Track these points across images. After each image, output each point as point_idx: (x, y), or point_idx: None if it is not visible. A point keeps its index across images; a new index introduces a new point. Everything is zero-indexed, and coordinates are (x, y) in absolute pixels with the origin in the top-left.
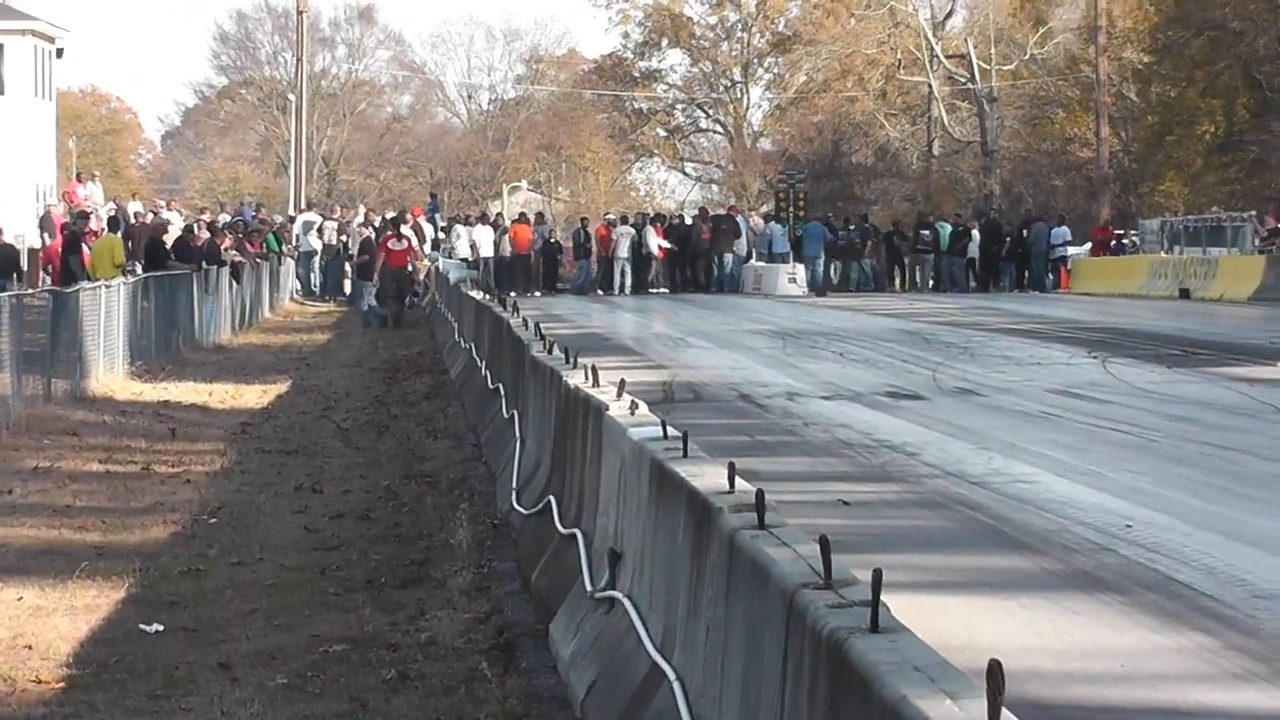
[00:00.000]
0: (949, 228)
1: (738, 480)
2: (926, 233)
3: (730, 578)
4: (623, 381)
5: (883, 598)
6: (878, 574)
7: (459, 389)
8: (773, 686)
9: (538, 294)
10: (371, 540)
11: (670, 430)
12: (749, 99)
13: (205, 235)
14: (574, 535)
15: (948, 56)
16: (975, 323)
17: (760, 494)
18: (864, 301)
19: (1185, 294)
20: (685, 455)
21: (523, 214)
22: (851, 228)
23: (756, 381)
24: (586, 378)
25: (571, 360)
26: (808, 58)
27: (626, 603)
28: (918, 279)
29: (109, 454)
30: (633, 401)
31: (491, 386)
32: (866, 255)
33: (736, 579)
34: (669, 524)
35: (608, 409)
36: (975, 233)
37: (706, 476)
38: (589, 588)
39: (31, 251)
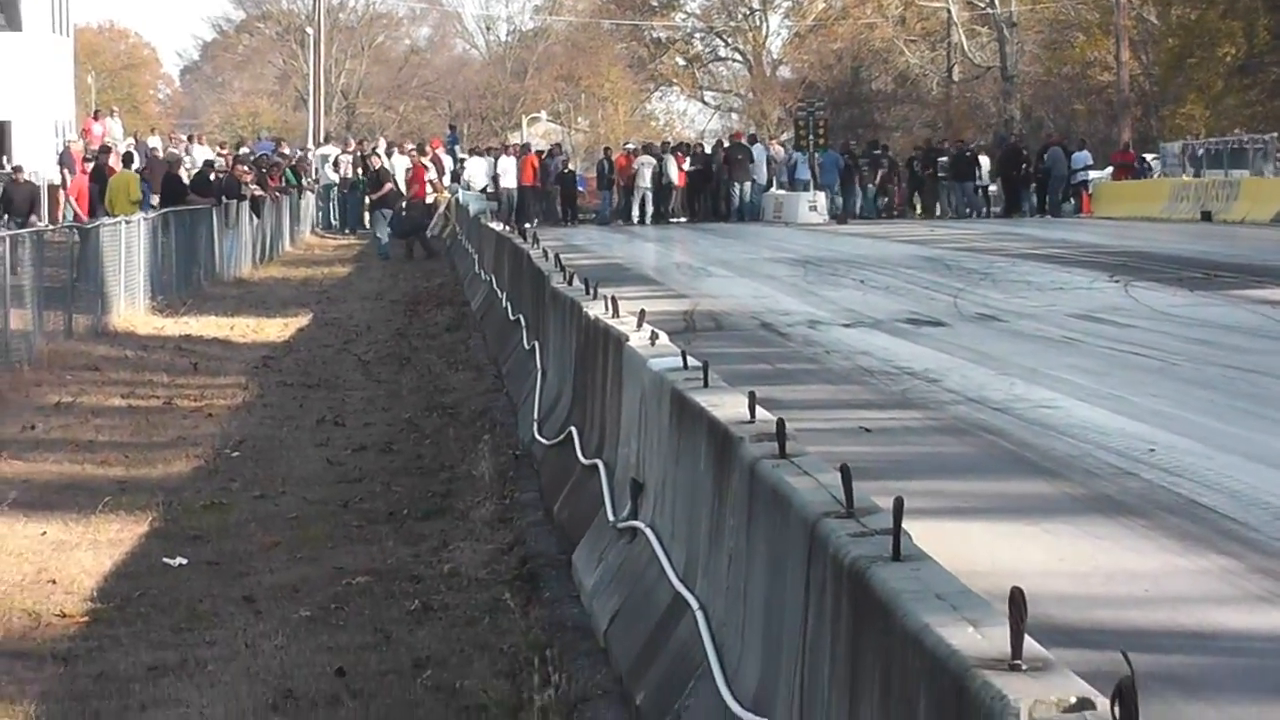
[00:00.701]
0: (946, 158)
1: (758, 409)
2: (944, 160)
3: (752, 507)
4: (643, 312)
5: (904, 525)
6: (899, 502)
7: (480, 321)
8: (795, 615)
9: (564, 225)
10: (394, 473)
11: (690, 360)
12: (768, 27)
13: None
14: (596, 466)
15: None
16: (996, 248)
17: (781, 423)
18: (885, 228)
19: (1207, 216)
20: (706, 385)
21: (526, 145)
22: (861, 156)
23: (778, 310)
24: (606, 309)
25: (592, 291)
26: None
27: (649, 532)
28: (936, 206)
29: (131, 389)
30: (653, 332)
31: (512, 318)
32: (875, 183)
33: (758, 509)
34: (690, 454)
35: (628, 340)
36: (983, 159)
37: (727, 406)
38: (611, 518)
39: (51, 188)
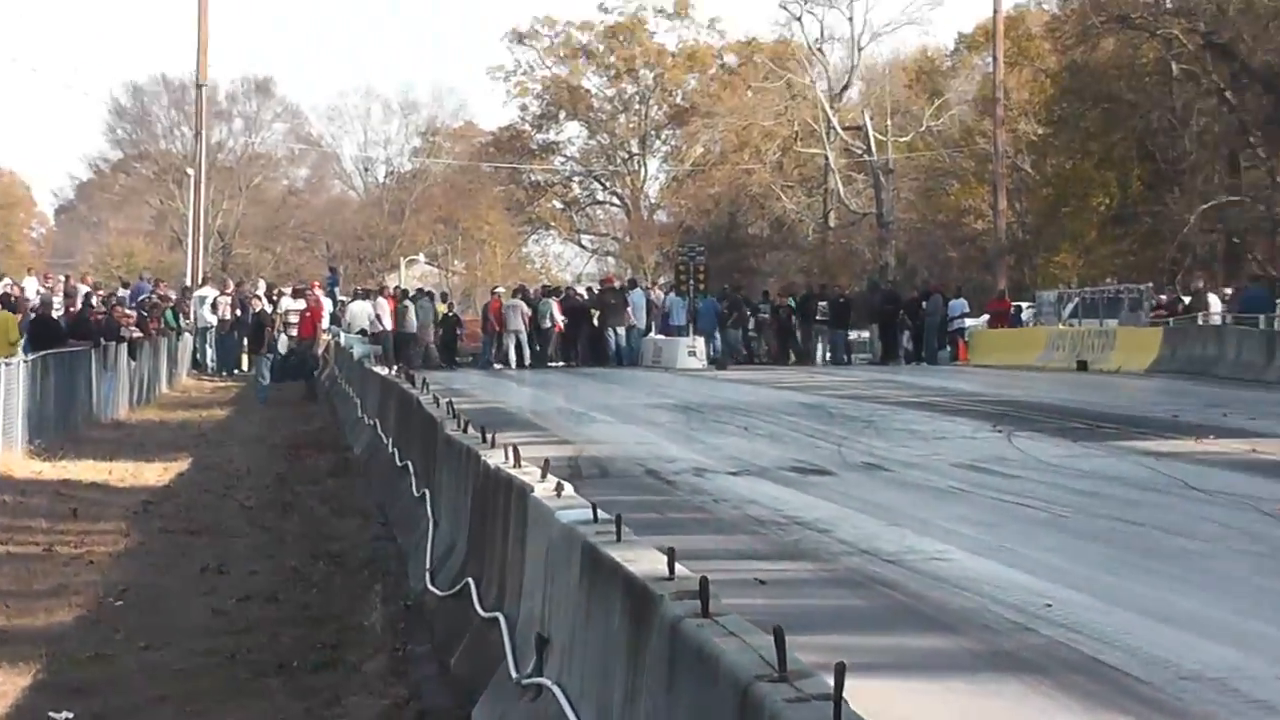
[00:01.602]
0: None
1: (677, 566)
2: (823, 305)
3: (673, 667)
4: (547, 461)
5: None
6: (840, 667)
7: (364, 466)
8: None
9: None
10: (281, 622)
11: (601, 513)
12: (646, 171)
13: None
14: (496, 619)
15: (844, 128)
16: (877, 395)
17: (704, 580)
18: (764, 374)
19: (1083, 366)
20: (619, 539)
21: (397, 287)
22: (721, 300)
23: (663, 456)
24: (507, 457)
25: (489, 439)
26: (705, 129)
27: (556, 690)
28: (815, 353)
29: (9, 534)
30: (559, 482)
31: (400, 464)
32: (731, 326)
33: (680, 669)
34: (603, 610)
35: (533, 490)
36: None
37: (643, 561)
38: (514, 674)
39: None
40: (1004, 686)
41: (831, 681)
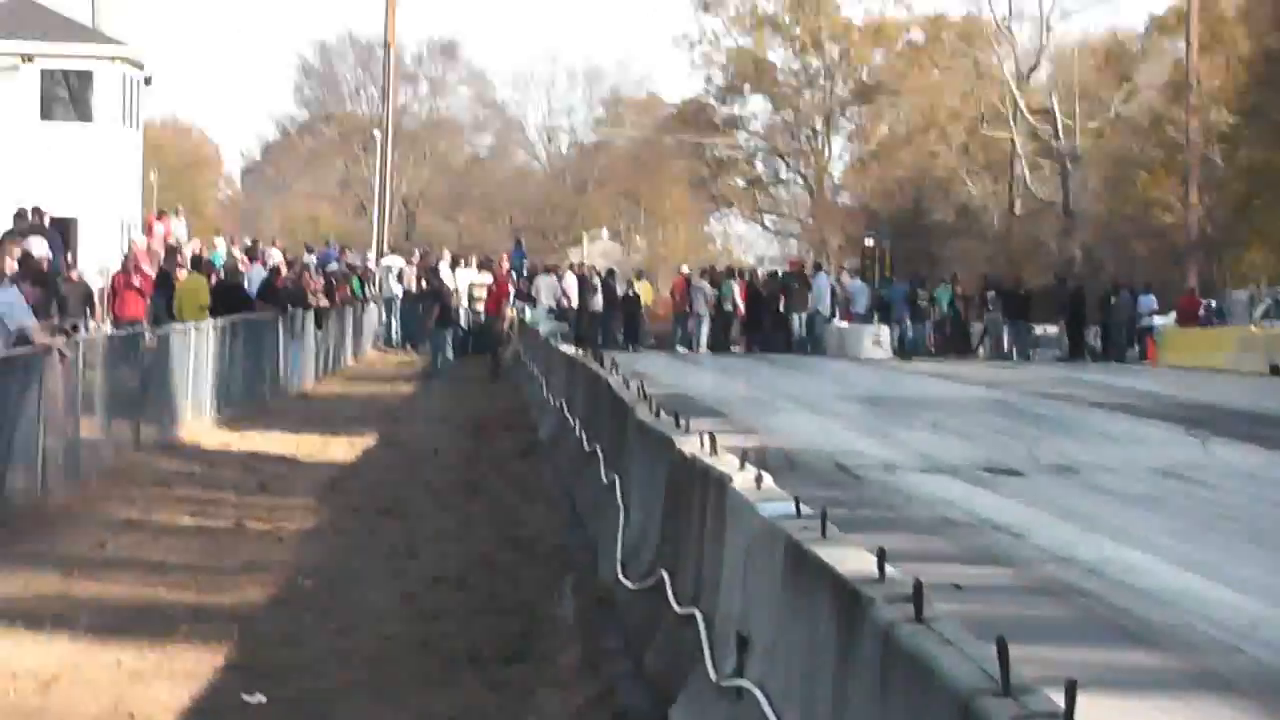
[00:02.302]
0: (948, 293)
1: (887, 567)
2: (992, 294)
3: (886, 675)
4: (746, 451)
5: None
6: (1072, 686)
7: (550, 449)
8: None
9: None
10: (471, 610)
11: (804, 508)
12: (830, 150)
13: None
14: (692, 615)
15: (1031, 112)
16: (1065, 394)
17: (919, 584)
18: (950, 368)
19: (1276, 370)
20: (824, 535)
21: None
22: (922, 292)
23: (850, 450)
24: (702, 445)
25: (684, 425)
26: (890, 108)
27: (758, 693)
28: (1001, 345)
29: (200, 507)
30: (758, 473)
31: (588, 449)
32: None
33: (894, 677)
34: (808, 610)
35: (731, 481)
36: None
37: (850, 561)
38: (713, 675)
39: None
40: (1216, 710)
41: (1058, 699)
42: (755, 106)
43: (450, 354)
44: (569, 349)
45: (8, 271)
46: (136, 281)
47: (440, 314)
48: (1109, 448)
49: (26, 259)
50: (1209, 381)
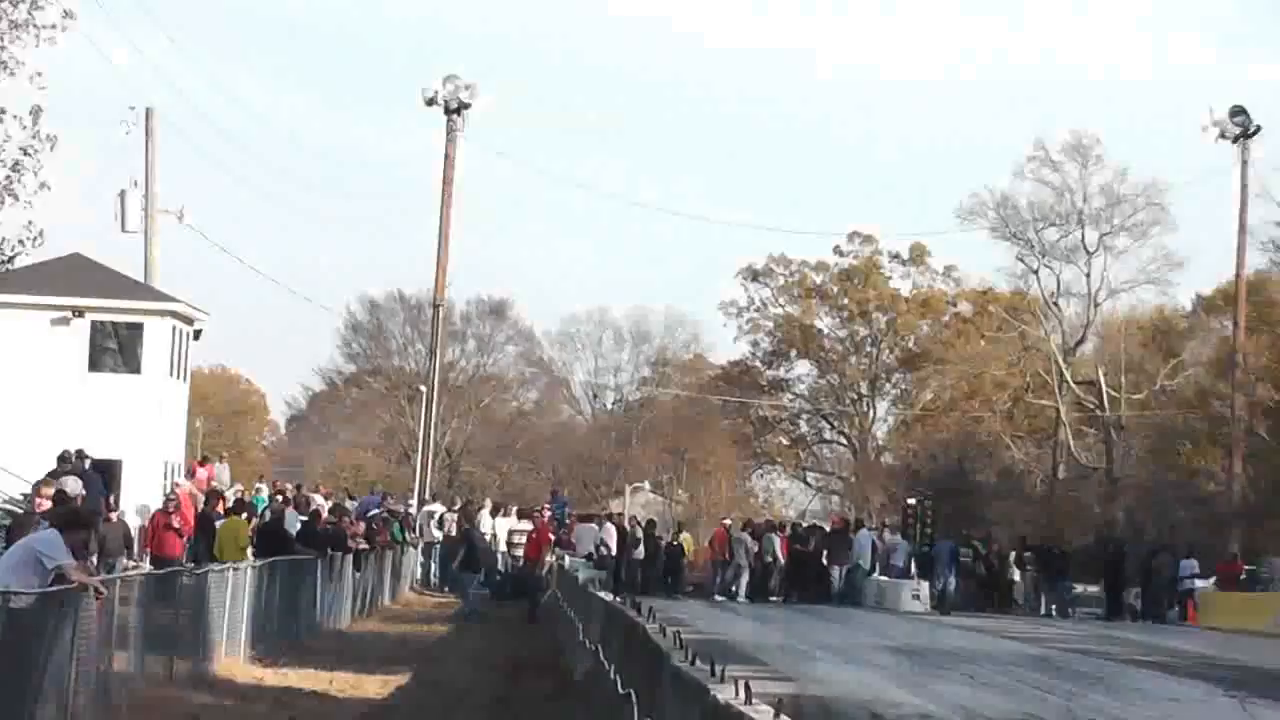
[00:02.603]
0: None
1: None
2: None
3: None
4: (781, 700)
5: None
6: None
7: (585, 691)
8: None
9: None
10: None
11: None
12: (875, 413)
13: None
14: None
15: (1077, 382)
16: (1102, 651)
17: None
18: (987, 623)
19: None
20: None
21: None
22: (970, 549)
23: (888, 701)
24: (736, 693)
25: (718, 674)
26: (936, 376)
27: None
28: (1040, 604)
29: None
30: None
31: (622, 692)
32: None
33: None
34: None
35: None
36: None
37: None
38: None
39: (152, 526)
40: None
41: None
42: (801, 370)
43: (473, 593)
44: (605, 595)
45: (38, 510)
46: (175, 522)
47: (466, 556)
48: (1147, 706)
49: (61, 496)
50: (1249, 644)
